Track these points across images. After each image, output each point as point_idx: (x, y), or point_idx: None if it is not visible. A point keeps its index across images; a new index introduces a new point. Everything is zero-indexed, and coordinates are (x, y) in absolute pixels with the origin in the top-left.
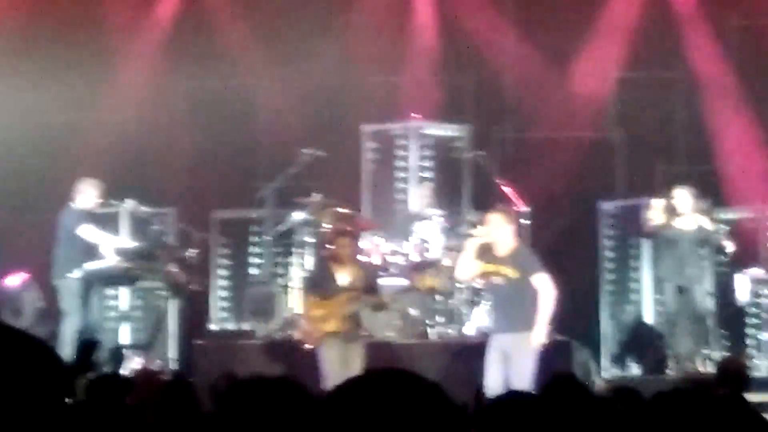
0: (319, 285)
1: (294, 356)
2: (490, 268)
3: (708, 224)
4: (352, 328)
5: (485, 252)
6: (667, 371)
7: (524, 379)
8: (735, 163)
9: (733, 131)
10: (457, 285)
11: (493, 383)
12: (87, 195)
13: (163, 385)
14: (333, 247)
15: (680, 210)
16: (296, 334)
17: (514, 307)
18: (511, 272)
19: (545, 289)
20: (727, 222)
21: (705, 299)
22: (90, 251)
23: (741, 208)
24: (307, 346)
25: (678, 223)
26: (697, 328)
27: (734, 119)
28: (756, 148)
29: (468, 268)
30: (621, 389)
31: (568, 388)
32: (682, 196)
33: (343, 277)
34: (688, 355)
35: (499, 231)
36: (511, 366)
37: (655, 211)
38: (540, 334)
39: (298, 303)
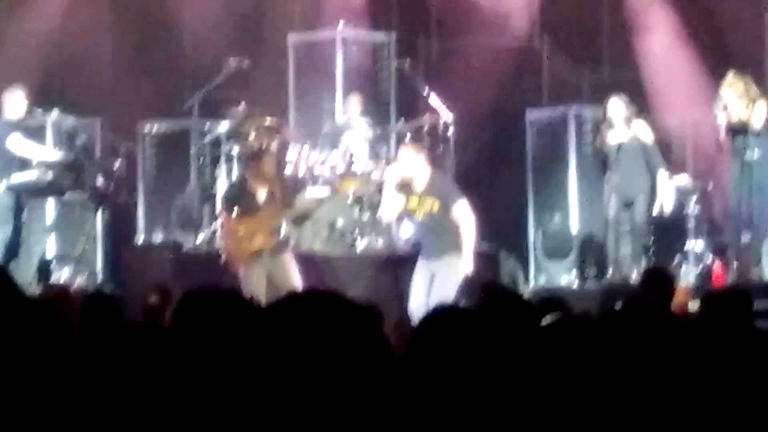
0: (238, 203)
1: (222, 268)
2: (413, 204)
3: (646, 132)
4: (279, 242)
5: (404, 187)
6: (593, 279)
7: (448, 299)
8: (661, 69)
9: (658, 37)
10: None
11: (417, 302)
12: (14, 104)
13: (81, 300)
14: (255, 163)
15: (614, 121)
16: (222, 256)
17: (439, 235)
18: (433, 205)
19: (466, 216)
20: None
21: (646, 210)
22: (19, 162)
23: (666, 115)
24: (233, 266)
25: (615, 136)
26: (633, 239)
27: (659, 24)
28: (682, 55)
29: (391, 207)
30: (548, 299)
31: (502, 298)
32: (616, 106)
33: (263, 193)
34: (618, 264)
35: (413, 163)
36: (435, 286)
37: (600, 133)
38: (467, 262)
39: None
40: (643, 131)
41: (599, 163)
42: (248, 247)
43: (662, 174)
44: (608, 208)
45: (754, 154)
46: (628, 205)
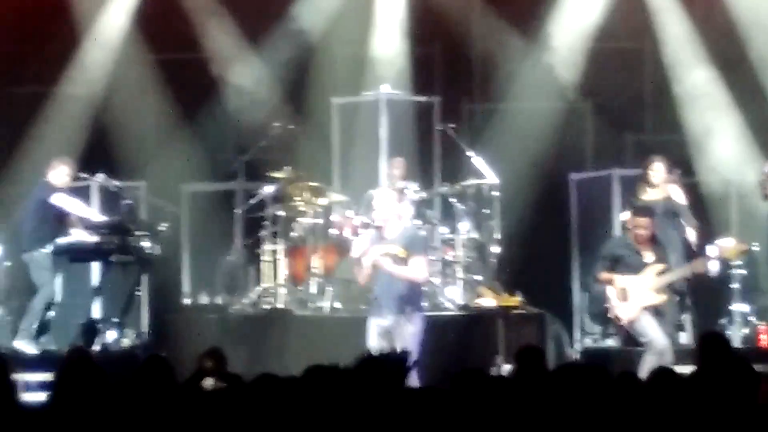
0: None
1: (268, 329)
2: (381, 249)
3: (680, 195)
4: None
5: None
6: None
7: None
8: (703, 131)
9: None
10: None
11: None
12: (59, 172)
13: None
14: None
15: (654, 181)
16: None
17: (397, 288)
18: (398, 251)
19: (418, 269)
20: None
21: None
22: (60, 226)
23: (710, 176)
24: None
25: (650, 195)
26: (674, 299)
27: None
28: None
29: (361, 245)
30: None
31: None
32: (657, 167)
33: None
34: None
35: (387, 209)
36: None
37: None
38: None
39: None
40: (676, 193)
41: None
42: None
43: (691, 232)
44: None
45: None
46: None
